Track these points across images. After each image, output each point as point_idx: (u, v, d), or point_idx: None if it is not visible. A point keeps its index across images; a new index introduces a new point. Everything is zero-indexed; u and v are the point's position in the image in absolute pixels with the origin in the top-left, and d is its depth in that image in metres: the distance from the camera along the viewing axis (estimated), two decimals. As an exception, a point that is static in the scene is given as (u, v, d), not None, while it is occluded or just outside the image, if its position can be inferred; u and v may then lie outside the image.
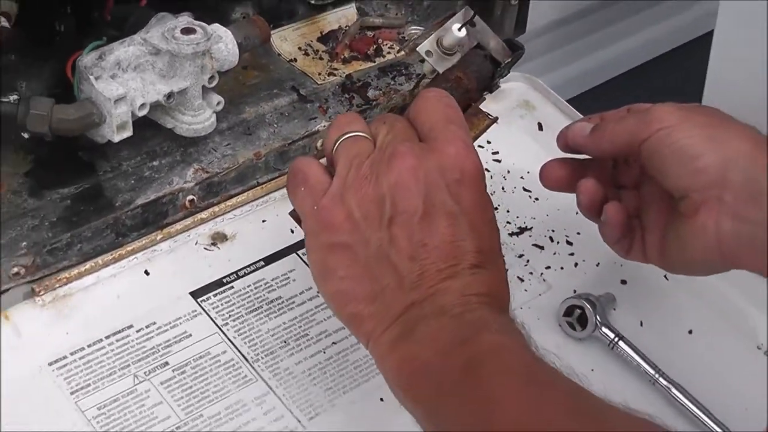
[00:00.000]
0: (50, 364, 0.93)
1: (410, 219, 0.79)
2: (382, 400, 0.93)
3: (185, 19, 1.03)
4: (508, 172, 1.16)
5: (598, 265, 1.07)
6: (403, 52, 1.24)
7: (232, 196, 1.09)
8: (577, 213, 1.07)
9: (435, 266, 0.78)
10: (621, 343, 0.98)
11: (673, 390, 0.95)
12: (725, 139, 0.85)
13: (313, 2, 1.22)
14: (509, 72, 1.02)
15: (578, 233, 1.10)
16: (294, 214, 0.87)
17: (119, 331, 0.96)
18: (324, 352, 0.97)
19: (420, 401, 0.77)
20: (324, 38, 1.26)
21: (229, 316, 0.99)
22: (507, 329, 0.77)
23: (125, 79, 1.00)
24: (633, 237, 0.93)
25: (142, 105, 1.00)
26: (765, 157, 0.83)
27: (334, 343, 0.97)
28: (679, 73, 1.41)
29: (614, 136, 0.89)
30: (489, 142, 1.18)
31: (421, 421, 0.76)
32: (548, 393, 0.72)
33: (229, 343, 0.96)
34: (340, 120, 0.86)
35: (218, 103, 1.07)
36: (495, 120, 0.95)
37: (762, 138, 0.85)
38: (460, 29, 0.97)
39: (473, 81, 0.94)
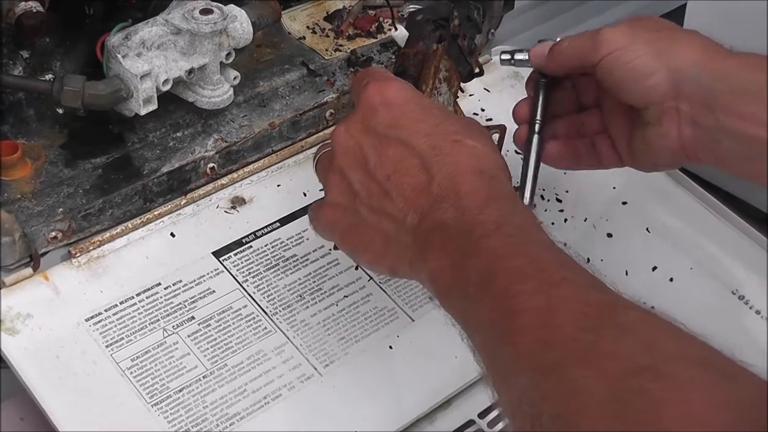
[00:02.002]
0: (87, 320, 0.91)
1: (365, 167, 0.78)
2: (390, 347, 0.92)
3: (203, 1, 1.01)
4: (501, 136, 1.13)
5: (585, 220, 1.05)
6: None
7: (249, 163, 1.07)
8: (565, 173, 1.06)
9: (407, 186, 0.76)
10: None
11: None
12: (673, 52, 0.83)
13: (319, -16, 1.20)
14: (470, 9, 1.01)
15: (567, 191, 1.08)
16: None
17: (149, 289, 0.94)
18: (336, 305, 0.95)
19: (455, 314, 0.73)
20: (330, 17, 1.24)
21: (249, 273, 0.97)
22: (502, 222, 0.72)
23: (150, 57, 0.98)
24: (599, 155, 0.92)
25: (166, 80, 0.98)
26: (713, 62, 0.82)
27: (345, 296, 0.96)
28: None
29: (569, 58, 0.88)
30: (483, 110, 1.16)
31: (462, 331, 0.72)
32: (559, 293, 0.66)
33: (250, 298, 0.94)
34: (317, 151, 0.86)
35: (235, 78, 1.05)
36: (441, 48, 0.93)
37: (710, 42, 0.84)
38: (396, 30, 0.96)
39: (416, 46, 0.93)
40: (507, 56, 0.94)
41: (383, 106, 0.78)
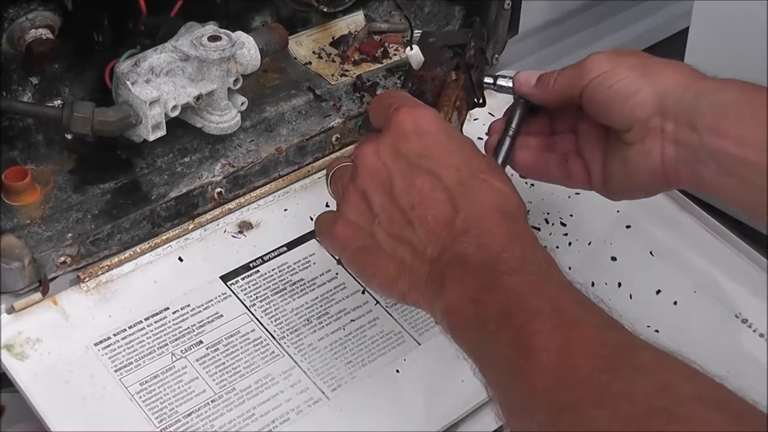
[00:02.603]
0: (96, 344, 0.91)
1: (390, 193, 0.78)
2: (397, 371, 0.92)
3: (211, 28, 1.02)
4: (506, 161, 1.14)
5: (590, 243, 1.06)
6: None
7: (256, 188, 1.07)
8: (569, 197, 1.07)
9: (431, 217, 0.76)
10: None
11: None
12: (658, 74, 0.84)
13: (325, 10, 1.21)
14: (484, 41, 1.00)
15: (571, 215, 1.08)
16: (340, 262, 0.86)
17: (157, 313, 0.95)
18: (343, 329, 0.95)
19: (468, 348, 0.73)
20: (335, 43, 1.25)
21: (256, 297, 0.97)
22: (523, 261, 0.72)
23: (158, 83, 0.98)
24: (570, 171, 0.92)
25: (174, 107, 0.99)
26: (695, 84, 0.83)
27: (352, 320, 0.96)
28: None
29: (556, 88, 0.89)
30: (487, 134, 1.16)
31: (475, 365, 0.72)
32: (577, 333, 0.66)
33: (257, 322, 0.95)
34: (332, 165, 0.86)
35: (242, 104, 1.06)
36: (460, 78, 0.93)
37: (692, 69, 0.85)
38: (411, 49, 0.96)
39: (434, 70, 0.92)
40: (489, 80, 0.94)
41: (415, 134, 0.78)
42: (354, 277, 0.99)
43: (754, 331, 0.99)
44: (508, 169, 0.92)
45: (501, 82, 0.94)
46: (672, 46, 1.40)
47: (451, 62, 0.93)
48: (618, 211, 1.09)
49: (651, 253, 1.05)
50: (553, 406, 0.63)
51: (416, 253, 0.76)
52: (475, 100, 0.95)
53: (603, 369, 0.63)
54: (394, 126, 0.79)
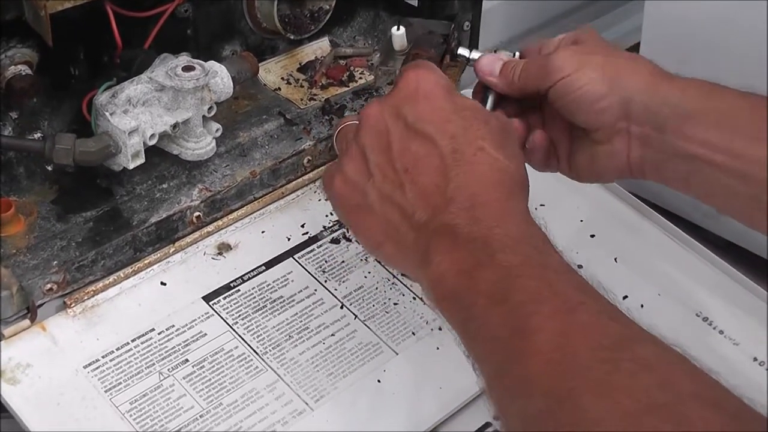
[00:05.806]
0: (85, 366, 0.94)
1: (387, 153, 0.77)
2: (379, 381, 0.95)
3: (185, 59, 1.04)
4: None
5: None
6: (373, 77, 1.26)
7: (233, 211, 1.10)
8: (536, 208, 1.09)
9: (422, 183, 0.75)
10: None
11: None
12: (622, 78, 0.84)
13: (291, 37, 1.24)
14: (458, 36, 1.02)
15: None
16: None
17: (143, 335, 0.97)
18: (323, 343, 0.98)
19: (454, 322, 0.72)
20: (303, 68, 1.28)
21: (238, 315, 1.00)
22: (519, 240, 0.71)
23: (136, 114, 1.01)
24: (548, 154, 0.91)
25: (152, 135, 1.01)
26: (660, 87, 0.83)
27: (332, 334, 0.99)
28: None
29: (521, 82, 0.87)
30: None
31: (461, 340, 0.71)
32: (577, 319, 0.65)
33: (240, 339, 0.97)
34: (341, 121, 0.86)
35: (217, 130, 1.08)
36: (467, 62, 0.93)
37: (655, 67, 0.85)
38: (398, 29, 0.98)
39: (429, 51, 0.95)
40: (464, 52, 0.93)
41: (418, 95, 0.78)
42: (331, 292, 1.02)
43: (714, 328, 1.03)
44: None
45: (473, 55, 0.92)
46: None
47: (442, 46, 0.95)
48: (581, 221, 1.13)
49: (615, 259, 1.09)
50: (550, 393, 0.62)
51: (405, 217, 0.76)
52: None
53: (604, 360, 0.62)
54: (401, 86, 0.79)
